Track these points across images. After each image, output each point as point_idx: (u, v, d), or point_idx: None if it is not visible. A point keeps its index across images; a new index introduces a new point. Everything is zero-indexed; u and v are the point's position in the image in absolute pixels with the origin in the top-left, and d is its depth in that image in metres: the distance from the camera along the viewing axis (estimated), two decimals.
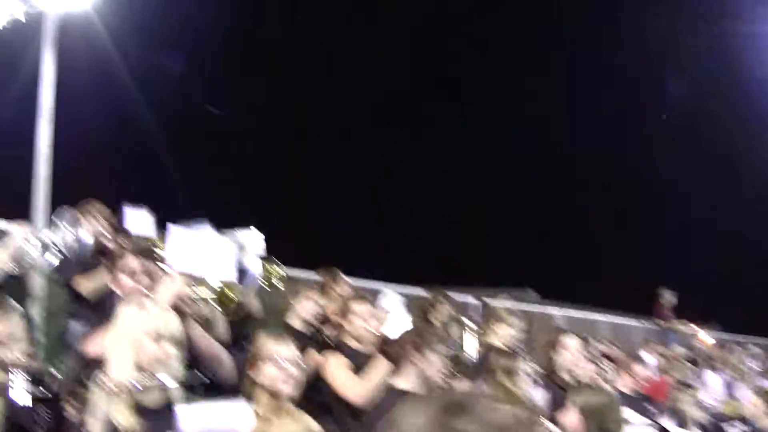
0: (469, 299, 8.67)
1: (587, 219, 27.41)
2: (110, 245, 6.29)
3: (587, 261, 27.56)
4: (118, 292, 4.35)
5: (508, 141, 27.60)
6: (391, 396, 4.71)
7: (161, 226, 6.51)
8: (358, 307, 5.75)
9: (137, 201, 6.66)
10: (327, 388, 5.63)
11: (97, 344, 3.81)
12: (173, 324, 3.51)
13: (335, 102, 26.25)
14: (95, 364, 3.60)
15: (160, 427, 3.33)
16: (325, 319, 6.60)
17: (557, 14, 25.85)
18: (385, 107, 28.36)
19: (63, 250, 5.09)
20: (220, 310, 4.18)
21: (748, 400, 8.63)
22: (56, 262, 5.27)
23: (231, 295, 4.16)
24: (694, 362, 13.94)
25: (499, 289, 13.05)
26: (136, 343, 3.41)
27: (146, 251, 4.42)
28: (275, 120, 25.43)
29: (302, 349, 5.48)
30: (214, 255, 4.15)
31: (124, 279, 4.28)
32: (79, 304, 6.27)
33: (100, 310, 6.14)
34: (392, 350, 4.87)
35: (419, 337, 4.76)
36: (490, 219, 28.49)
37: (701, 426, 9.68)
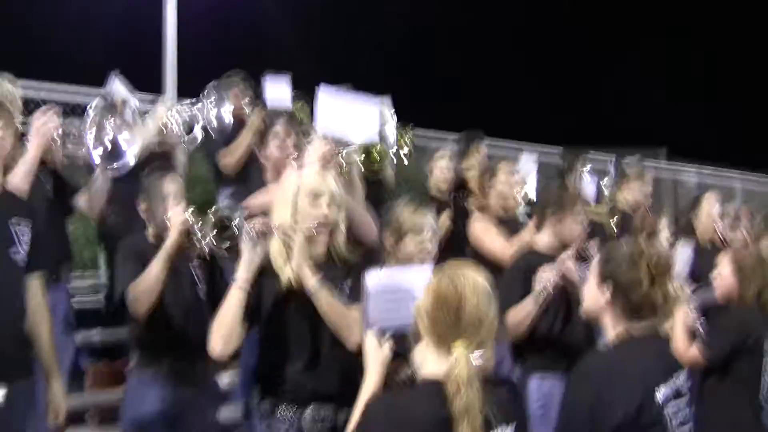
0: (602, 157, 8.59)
1: None
2: (249, 119, 6.52)
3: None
4: (263, 160, 4.45)
5: None
6: (529, 256, 4.85)
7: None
8: (503, 171, 5.84)
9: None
10: (467, 248, 5.84)
11: (256, 206, 3.95)
12: (331, 184, 3.54)
13: None
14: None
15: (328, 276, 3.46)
16: (462, 183, 6.74)
17: None
18: None
19: (206, 125, 5.23)
20: (364, 170, 4.24)
21: None
22: (199, 138, 5.36)
23: (375, 155, 4.24)
24: None
25: (632, 149, 12.74)
26: (294, 203, 3.48)
27: (292, 120, 4.52)
28: None
29: (438, 213, 5.69)
30: (359, 117, 4.24)
31: (272, 146, 4.40)
32: (221, 177, 6.64)
33: (243, 180, 6.55)
34: (535, 211, 4.96)
35: (559, 203, 4.81)
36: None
37: None
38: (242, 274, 3.37)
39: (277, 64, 6.93)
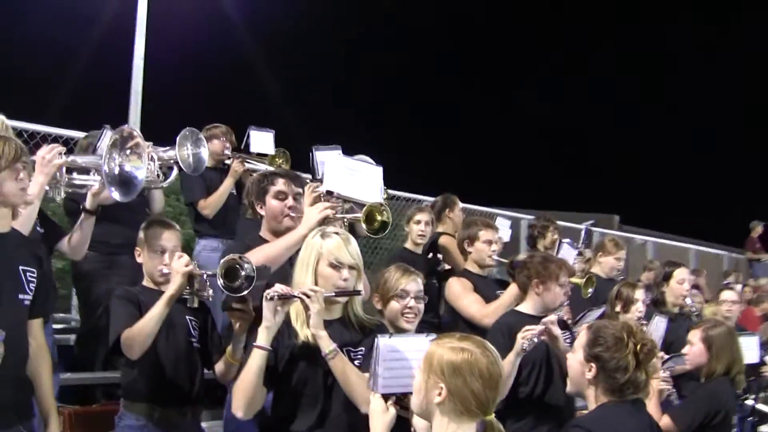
0: (569, 225, 8.85)
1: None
2: (231, 163, 6.65)
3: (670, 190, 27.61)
4: (261, 213, 4.50)
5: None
6: (512, 316, 4.96)
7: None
8: (484, 234, 5.95)
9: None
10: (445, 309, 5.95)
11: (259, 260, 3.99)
12: (353, 252, 3.62)
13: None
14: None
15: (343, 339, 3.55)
16: (434, 244, 6.90)
17: None
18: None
19: (183, 167, 5.26)
20: (367, 231, 4.32)
21: None
22: (173, 179, 5.37)
23: (378, 216, 4.31)
24: None
25: (586, 215, 13.08)
26: (315, 269, 3.58)
27: (293, 176, 4.58)
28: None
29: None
30: (367, 179, 4.36)
31: (270, 201, 4.44)
32: (199, 223, 6.75)
33: (222, 226, 6.66)
34: (518, 277, 5.06)
35: (545, 269, 4.91)
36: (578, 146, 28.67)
37: None
38: (263, 337, 3.42)
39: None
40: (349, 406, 3.48)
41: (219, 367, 4.19)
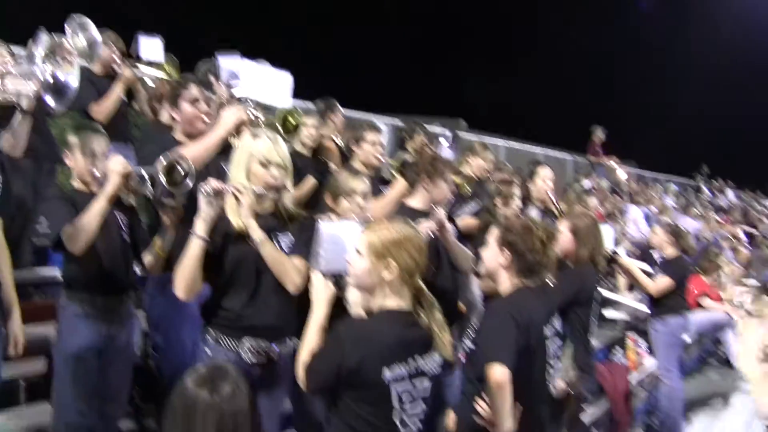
0: (438, 129, 9.29)
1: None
2: (120, 70, 6.77)
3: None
4: (177, 118, 4.76)
5: None
6: (403, 212, 5.40)
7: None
8: (370, 136, 6.38)
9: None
10: None
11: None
12: (281, 152, 3.97)
13: None
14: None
15: (270, 227, 3.95)
16: (320, 146, 7.23)
17: None
18: None
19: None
20: (284, 135, 4.67)
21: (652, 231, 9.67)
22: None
23: (292, 120, 4.65)
24: (619, 196, 15.07)
25: (432, 118, 13.53)
26: (247, 167, 3.93)
27: (206, 82, 4.84)
28: None
29: (303, 170, 6.20)
30: (277, 84, 4.69)
31: (185, 106, 4.71)
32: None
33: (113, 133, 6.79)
34: (408, 174, 5.51)
35: (432, 167, 5.34)
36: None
37: (631, 253, 10.80)
38: (200, 227, 3.80)
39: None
40: (277, 288, 3.91)
41: (148, 259, 4.54)
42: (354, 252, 3.36)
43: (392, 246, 3.22)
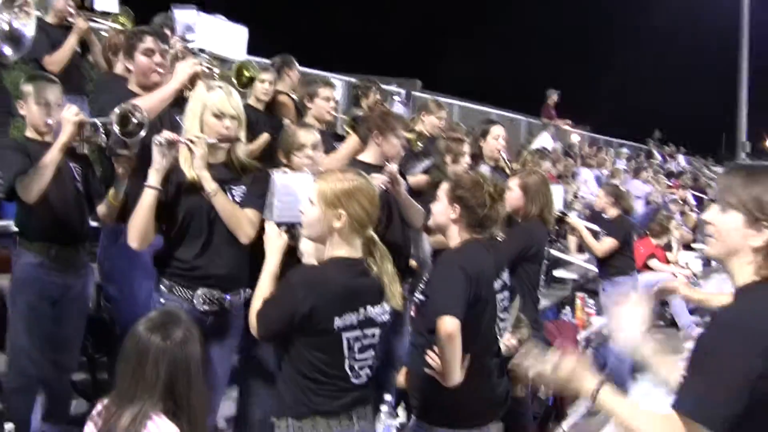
0: (393, 88, 9.33)
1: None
2: (74, 20, 6.72)
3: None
4: (132, 69, 4.76)
5: None
6: (356, 166, 5.45)
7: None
8: (323, 91, 6.40)
9: None
10: None
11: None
12: (234, 104, 4.00)
13: None
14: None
15: (223, 178, 3.99)
16: (275, 101, 7.25)
17: None
18: None
19: None
20: (238, 88, 4.69)
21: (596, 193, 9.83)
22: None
23: (247, 73, 4.68)
24: (572, 159, 15.27)
25: (389, 79, 13.53)
26: (201, 118, 3.96)
27: (161, 34, 4.83)
28: None
29: (257, 125, 6.24)
30: (232, 37, 4.71)
31: (140, 57, 4.71)
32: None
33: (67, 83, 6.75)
34: (360, 130, 5.56)
35: (384, 122, 5.37)
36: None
37: (582, 214, 10.96)
38: (153, 178, 3.83)
39: None
40: (230, 239, 3.97)
41: (101, 209, 4.55)
42: (306, 202, 3.41)
43: (343, 195, 3.27)
